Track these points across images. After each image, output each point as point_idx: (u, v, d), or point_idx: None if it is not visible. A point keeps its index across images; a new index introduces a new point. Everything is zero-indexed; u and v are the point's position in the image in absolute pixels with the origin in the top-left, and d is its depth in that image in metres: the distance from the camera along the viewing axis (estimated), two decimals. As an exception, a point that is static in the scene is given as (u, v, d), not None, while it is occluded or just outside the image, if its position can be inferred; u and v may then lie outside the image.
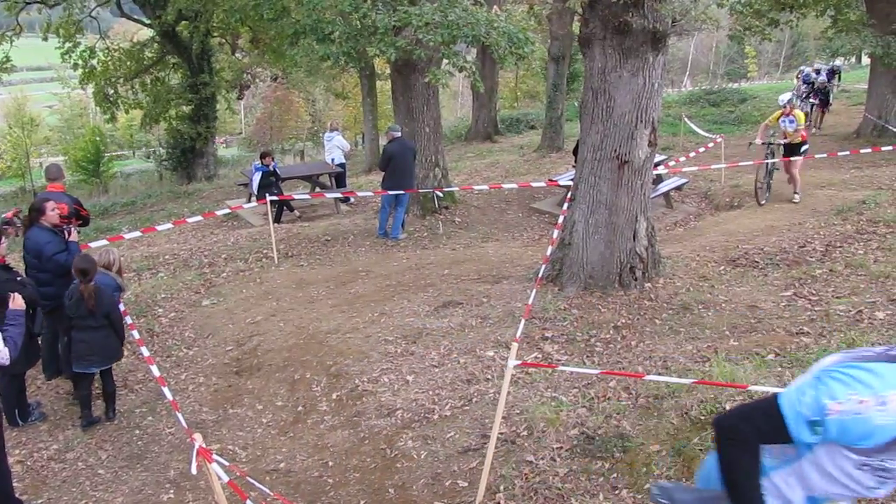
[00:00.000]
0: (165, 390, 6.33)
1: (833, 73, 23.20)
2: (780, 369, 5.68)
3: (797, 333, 6.56)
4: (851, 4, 18.09)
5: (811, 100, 21.58)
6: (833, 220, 10.40)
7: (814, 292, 7.62)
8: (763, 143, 12.66)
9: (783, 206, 12.08)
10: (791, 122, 12.34)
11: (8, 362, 5.26)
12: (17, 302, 5.61)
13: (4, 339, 5.15)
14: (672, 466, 4.74)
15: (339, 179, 16.98)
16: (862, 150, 14.62)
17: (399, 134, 12.59)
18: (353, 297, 9.52)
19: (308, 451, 6.23)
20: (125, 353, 7.84)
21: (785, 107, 12.29)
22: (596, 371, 6.00)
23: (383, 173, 12.68)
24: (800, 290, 7.76)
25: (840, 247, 9.04)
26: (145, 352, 7.24)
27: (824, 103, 21.65)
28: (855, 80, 31.24)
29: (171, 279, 11.02)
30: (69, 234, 7.60)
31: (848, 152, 15.07)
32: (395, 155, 12.41)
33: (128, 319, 8.07)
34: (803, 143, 12.45)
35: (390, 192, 12.39)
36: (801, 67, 26.52)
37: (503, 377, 4.90)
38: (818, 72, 22.72)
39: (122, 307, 7.60)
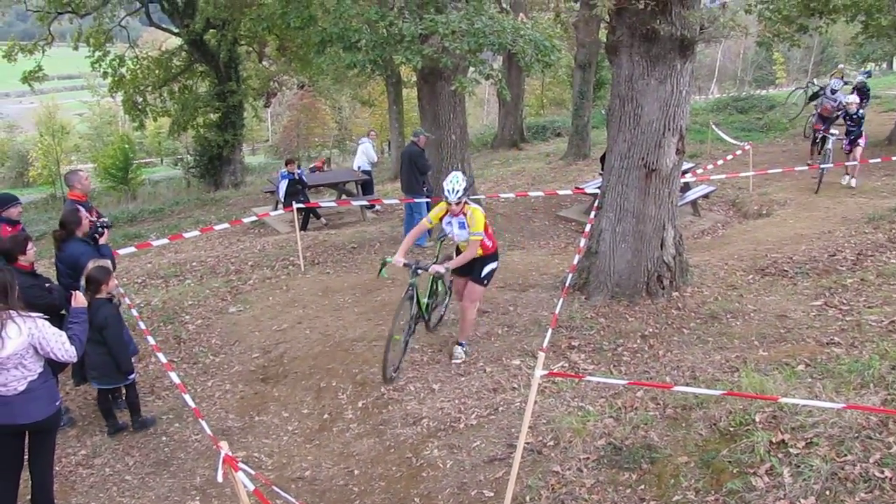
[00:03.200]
0: (187, 398, 6.35)
1: (863, 91, 17.16)
2: (810, 380, 5.59)
3: (828, 344, 6.46)
4: (883, 9, 17.77)
5: (833, 131, 14.98)
6: (864, 228, 10.25)
7: (844, 302, 7.50)
8: (407, 266, 7.13)
9: (812, 215, 11.92)
10: (461, 225, 7.08)
11: (76, 359, 5.40)
12: (78, 300, 5.67)
13: (71, 338, 5.26)
14: (700, 478, 4.67)
15: (366, 187, 17.06)
16: (894, 157, 14.39)
17: (415, 138, 12.64)
18: (379, 305, 9.52)
19: (334, 459, 6.23)
20: (152, 360, 7.87)
21: (452, 203, 6.88)
22: (623, 381, 5.94)
23: None
24: (830, 299, 7.65)
25: (871, 256, 8.91)
26: (162, 358, 7.27)
27: (855, 137, 14.49)
28: (886, 85, 30.82)
29: (197, 286, 11.10)
30: (100, 237, 7.69)
31: (879, 159, 14.83)
32: (401, 159, 12.53)
33: (141, 325, 8.13)
34: (488, 256, 7.28)
35: (415, 200, 12.43)
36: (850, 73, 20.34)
37: (529, 386, 4.87)
38: (834, 91, 17.32)
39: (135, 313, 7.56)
